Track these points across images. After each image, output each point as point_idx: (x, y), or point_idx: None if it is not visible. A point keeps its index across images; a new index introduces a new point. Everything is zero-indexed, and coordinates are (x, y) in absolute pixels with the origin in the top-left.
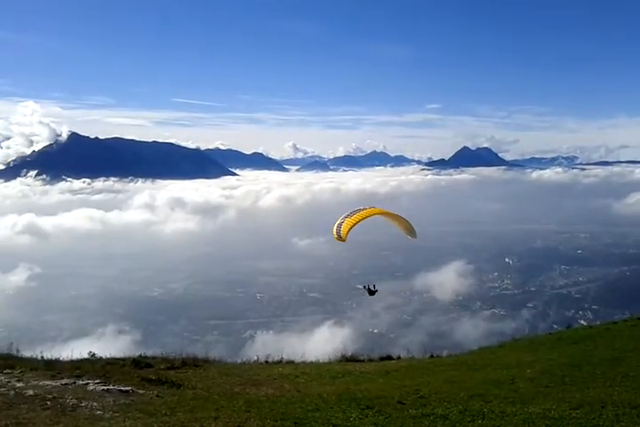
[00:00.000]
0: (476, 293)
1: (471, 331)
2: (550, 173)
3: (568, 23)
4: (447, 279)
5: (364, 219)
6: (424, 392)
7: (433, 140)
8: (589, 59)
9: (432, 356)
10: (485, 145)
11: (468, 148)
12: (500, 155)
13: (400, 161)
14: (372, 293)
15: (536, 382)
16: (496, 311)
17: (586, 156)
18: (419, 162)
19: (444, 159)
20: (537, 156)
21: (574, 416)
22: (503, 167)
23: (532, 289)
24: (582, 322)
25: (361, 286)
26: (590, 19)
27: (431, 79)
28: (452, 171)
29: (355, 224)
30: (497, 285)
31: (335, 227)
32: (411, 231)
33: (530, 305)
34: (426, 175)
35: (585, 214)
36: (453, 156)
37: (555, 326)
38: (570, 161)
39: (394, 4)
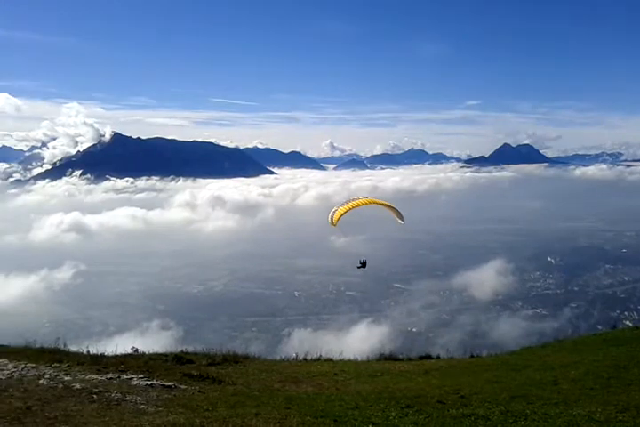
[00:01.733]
0: (517, 292)
1: (512, 331)
2: (594, 170)
3: (608, 18)
4: (487, 278)
5: (355, 207)
6: (464, 392)
7: (472, 137)
8: (632, 53)
9: (472, 355)
10: (526, 142)
11: (508, 144)
12: (541, 151)
13: (439, 158)
14: (363, 265)
15: (580, 384)
16: (538, 311)
17: (631, 152)
18: (458, 159)
19: (483, 156)
20: (580, 152)
21: (620, 420)
22: (545, 164)
23: (576, 289)
24: (627, 323)
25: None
26: (632, 13)
27: (470, 75)
28: (491, 168)
29: (346, 211)
30: (539, 284)
31: (330, 214)
32: (400, 217)
33: (573, 305)
34: (465, 173)
35: (630, 212)
36: (493, 153)
37: (599, 327)
38: (614, 157)
39: (431, 1)
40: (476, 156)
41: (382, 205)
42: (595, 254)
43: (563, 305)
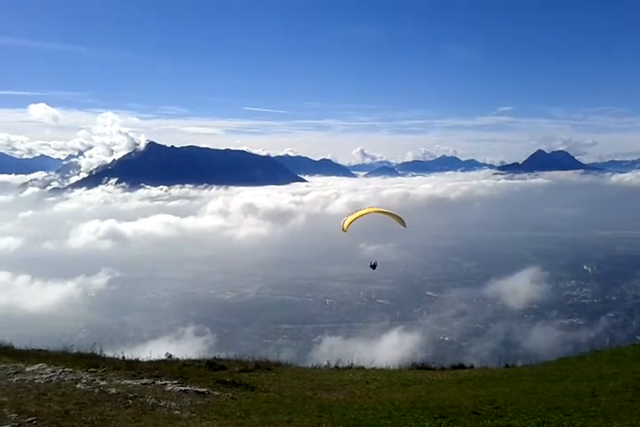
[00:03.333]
0: (553, 301)
1: (547, 341)
2: (631, 177)
3: None
4: (521, 287)
5: (362, 215)
6: (499, 403)
7: (505, 143)
8: None
9: (507, 365)
10: (561, 148)
11: (542, 151)
12: (576, 158)
13: (471, 165)
14: (373, 267)
15: (619, 396)
16: (574, 321)
17: None
18: (491, 166)
19: (517, 163)
20: (617, 159)
21: None
22: (580, 171)
23: (613, 298)
24: None
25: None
26: None
27: (503, 81)
28: (525, 175)
29: (355, 219)
30: (575, 293)
31: (341, 222)
32: (402, 223)
33: (610, 315)
34: (498, 180)
35: None
36: (527, 159)
37: (638, 338)
38: None
39: (462, 5)
40: (510, 162)
41: (385, 213)
42: (632, 263)
43: (600, 315)
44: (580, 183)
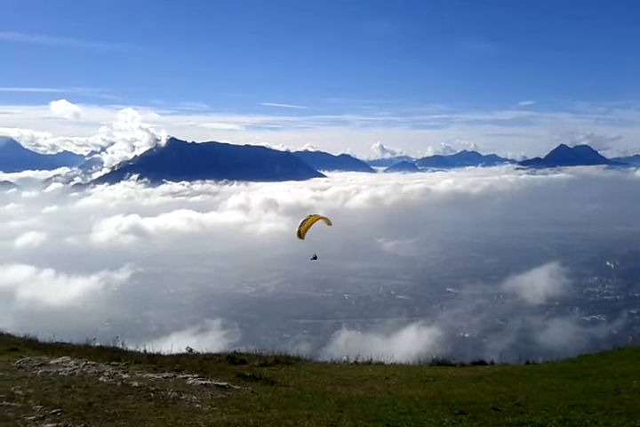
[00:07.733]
0: (574, 297)
1: (568, 337)
2: None
3: None
4: (543, 283)
5: (310, 224)
6: (520, 400)
7: (527, 138)
8: None
9: (527, 362)
10: (584, 142)
11: (565, 145)
12: (600, 153)
13: (492, 160)
14: (314, 258)
15: None
16: (596, 318)
17: None
18: (512, 161)
19: (539, 158)
20: None
21: None
22: (604, 166)
23: (636, 295)
24: None
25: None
26: None
27: (524, 75)
28: (548, 170)
29: (307, 228)
30: (597, 290)
31: (296, 231)
32: (329, 223)
33: (633, 311)
34: (520, 175)
35: None
36: (549, 154)
37: None
38: None
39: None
40: (532, 157)
41: (322, 219)
42: None
43: (623, 312)
44: (604, 178)
